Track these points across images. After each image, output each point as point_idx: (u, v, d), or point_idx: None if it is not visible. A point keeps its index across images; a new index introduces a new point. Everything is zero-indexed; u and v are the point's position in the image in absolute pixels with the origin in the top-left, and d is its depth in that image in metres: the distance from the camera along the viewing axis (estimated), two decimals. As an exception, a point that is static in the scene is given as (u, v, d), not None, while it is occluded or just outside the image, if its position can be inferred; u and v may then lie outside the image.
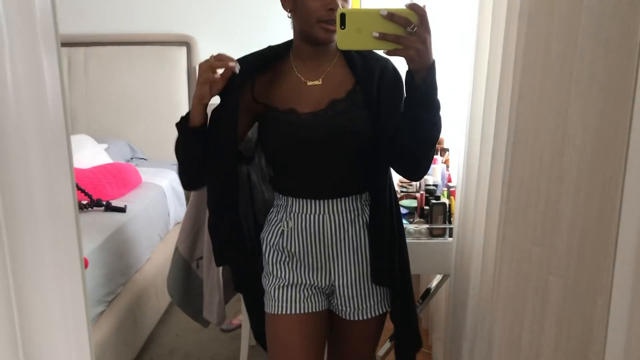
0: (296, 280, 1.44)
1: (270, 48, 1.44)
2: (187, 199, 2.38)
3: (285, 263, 1.46)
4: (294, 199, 1.42)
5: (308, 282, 1.45)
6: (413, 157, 1.34)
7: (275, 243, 1.46)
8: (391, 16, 1.15)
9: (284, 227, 1.44)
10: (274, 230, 1.47)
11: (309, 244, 1.43)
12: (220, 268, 2.12)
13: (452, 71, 2.00)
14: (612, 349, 0.75)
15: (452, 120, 1.93)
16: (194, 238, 2.28)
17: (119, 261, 2.50)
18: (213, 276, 2.16)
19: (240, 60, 1.36)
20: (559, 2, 0.95)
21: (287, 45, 1.43)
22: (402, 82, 1.37)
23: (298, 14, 1.32)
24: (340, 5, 1.27)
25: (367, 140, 1.36)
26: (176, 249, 2.28)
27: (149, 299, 2.75)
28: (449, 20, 2.16)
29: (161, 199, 3.17)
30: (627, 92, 0.76)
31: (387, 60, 1.40)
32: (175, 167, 3.70)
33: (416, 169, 1.39)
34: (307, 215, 1.41)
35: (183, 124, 1.36)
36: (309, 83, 1.38)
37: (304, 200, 1.41)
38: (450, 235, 1.90)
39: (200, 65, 1.28)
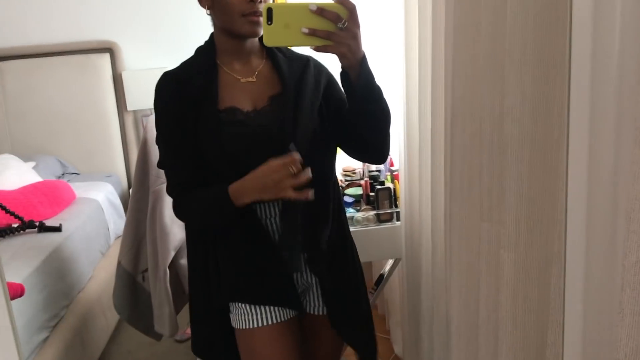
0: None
1: (199, 52, 1.36)
2: (126, 210, 2.28)
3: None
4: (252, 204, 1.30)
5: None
6: (372, 146, 1.32)
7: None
8: (321, 11, 1.10)
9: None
10: None
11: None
12: (168, 277, 2.05)
13: (385, 56, 1.99)
14: (571, 315, 0.75)
15: (390, 103, 1.92)
16: (137, 250, 2.20)
17: (59, 283, 2.38)
18: (161, 287, 2.08)
19: (169, 76, 1.31)
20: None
21: (210, 44, 1.35)
22: (326, 74, 1.37)
23: (218, 9, 1.26)
24: None
25: (317, 131, 1.32)
26: (119, 263, 2.19)
27: (95, 319, 2.63)
28: (376, 6, 2.15)
29: (98, 214, 3.04)
30: (562, 57, 0.75)
31: (309, 57, 1.38)
32: (111, 178, 3.56)
33: (379, 154, 1.37)
34: (269, 220, 1.34)
35: (229, 207, 1.24)
36: (243, 80, 1.32)
37: (263, 204, 1.32)
38: (398, 219, 1.89)
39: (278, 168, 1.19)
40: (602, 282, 0.68)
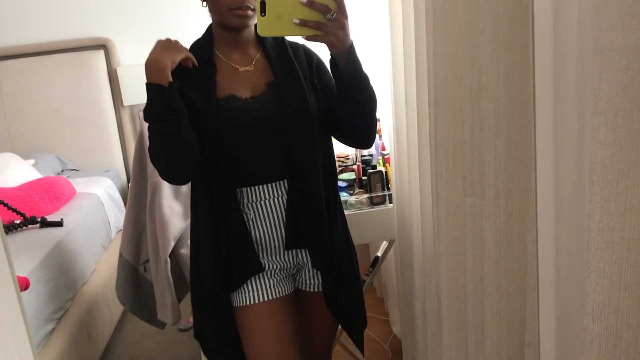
0: (265, 266, 1.42)
1: (194, 46, 1.41)
2: (126, 203, 2.32)
3: None
4: (249, 188, 1.37)
5: (275, 267, 1.43)
6: (359, 131, 1.39)
7: None
8: (311, 3, 1.17)
9: (244, 219, 1.39)
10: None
11: (272, 229, 1.40)
12: (169, 267, 2.10)
13: (371, 43, 2.03)
14: (544, 277, 0.79)
15: (378, 90, 1.96)
16: (137, 241, 2.24)
17: (63, 276, 2.43)
18: (162, 277, 2.13)
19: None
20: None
21: (208, 35, 1.41)
22: (317, 60, 1.44)
23: (210, 4, 1.34)
24: None
25: (314, 114, 1.36)
26: (120, 255, 2.23)
27: (100, 310, 2.68)
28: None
29: (99, 208, 3.09)
30: (527, 32, 0.79)
31: (300, 44, 1.44)
32: (109, 173, 3.60)
33: (366, 138, 1.42)
34: (267, 201, 1.38)
35: (160, 92, 1.26)
36: (241, 69, 1.38)
37: (260, 187, 1.37)
38: (391, 202, 1.94)
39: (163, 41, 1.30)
40: (570, 243, 0.73)
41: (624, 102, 0.62)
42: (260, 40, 1.42)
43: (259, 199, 1.38)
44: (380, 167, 2.05)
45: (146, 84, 1.27)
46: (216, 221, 1.36)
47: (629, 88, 0.61)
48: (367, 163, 2.08)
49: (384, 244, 2.19)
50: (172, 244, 2.12)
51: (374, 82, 1.34)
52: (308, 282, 1.49)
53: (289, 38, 1.44)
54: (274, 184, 1.37)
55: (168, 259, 2.10)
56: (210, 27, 1.41)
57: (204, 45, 1.39)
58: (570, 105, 0.69)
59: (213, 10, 1.33)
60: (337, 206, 1.47)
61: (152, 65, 1.26)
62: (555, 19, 0.70)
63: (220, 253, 1.38)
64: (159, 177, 2.07)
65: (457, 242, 1.19)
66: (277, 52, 1.40)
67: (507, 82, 0.89)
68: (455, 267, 1.22)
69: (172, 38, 1.32)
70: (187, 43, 1.43)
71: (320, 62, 1.45)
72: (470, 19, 0.97)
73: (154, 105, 1.27)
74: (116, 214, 3.27)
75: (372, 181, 1.94)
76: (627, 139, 0.63)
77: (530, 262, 0.85)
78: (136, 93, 3.56)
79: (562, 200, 0.74)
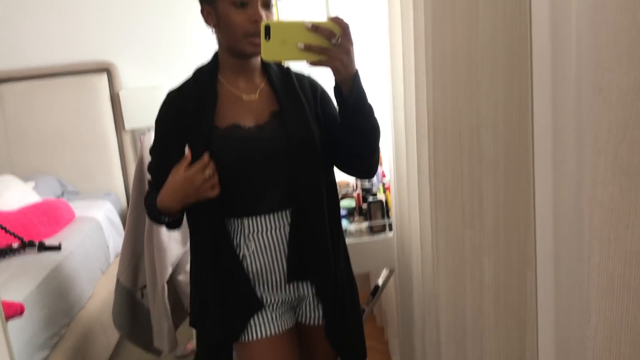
0: (266, 300, 1.39)
1: (199, 71, 1.40)
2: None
3: (252, 288, 1.39)
4: (250, 218, 1.35)
5: (277, 300, 1.40)
6: (362, 160, 1.37)
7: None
8: (316, 28, 1.16)
9: (244, 251, 1.36)
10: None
11: (273, 261, 1.37)
12: (166, 293, 2.08)
13: (373, 73, 2.04)
14: (543, 317, 0.78)
15: (379, 119, 1.96)
16: (135, 267, 2.23)
17: (59, 301, 2.40)
18: (159, 303, 2.11)
19: (174, 95, 1.38)
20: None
21: (214, 62, 1.39)
22: (321, 90, 1.44)
23: (223, 29, 1.30)
24: (264, 17, 1.26)
25: (318, 144, 1.36)
26: (118, 280, 2.22)
27: (96, 336, 2.65)
28: (364, 27, 2.19)
29: (98, 232, 3.07)
30: (526, 68, 0.79)
31: (305, 75, 1.44)
32: (110, 197, 3.59)
33: (368, 168, 1.42)
34: (269, 232, 1.35)
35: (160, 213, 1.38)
36: (245, 98, 1.36)
37: (262, 217, 1.35)
38: (391, 230, 1.92)
39: (191, 176, 1.27)
40: (570, 283, 0.71)
41: (623, 142, 0.61)
42: (265, 69, 1.40)
43: (260, 230, 1.35)
44: (380, 195, 2.03)
45: (162, 204, 1.33)
46: (209, 256, 1.35)
47: (627, 129, 0.60)
48: (367, 191, 2.07)
49: (385, 272, 2.16)
50: (170, 270, 2.11)
51: (377, 109, 1.33)
52: (309, 314, 1.45)
53: (293, 67, 1.44)
54: (276, 214, 1.36)
55: (165, 285, 2.08)
56: (216, 53, 1.39)
57: (209, 71, 1.38)
58: (569, 143, 0.68)
59: (227, 36, 1.30)
60: (340, 236, 1.45)
61: (188, 190, 1.28)
62: (553, 56, 0.69)
63: (216, 295, 1.36)
64: (158, 203, 2.07)
65: (457, 275, 1.17)
66: (282, 81, 1.39)
67: (506, 116, 0.89)
68: (454, 300, 1.20)
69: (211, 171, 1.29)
70: (189, 66, 1.43)
71: (324, 93, 1.44)
72: (469, 52, 0.97)
73: (164, 214, 1.36)
74: (115, 238, 3.26)
75: (372, 209, 1.93)
76: (627, 180, 0.61)
77: (530, 299, 0.83)
78: (138, 117, 3.56)
79: (562, 239, 0.72)
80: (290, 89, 1.38)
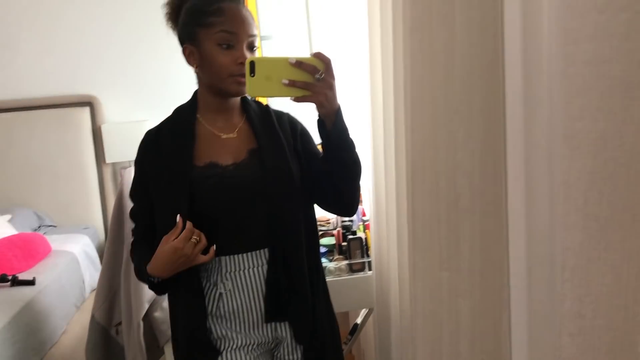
0: (242, 341, 1.36)
1: (179, 110, 1.40)
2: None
3: (228, 327, 1.37)
4: (228, 257, 1.34)
5: (253, 342, 1.37)
6: (343, 195, 1.38)
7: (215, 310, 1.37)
8: (299, 64, 1.19)
9: (221, 290, 1.35)
10: (210, 297, 1.36)
11: (250, 301, 1.35)
12: (142, 331, 2.04)
13: (354, 112, 2.06)
14: (518, 362, 0.78)
15: (360, 157, 1.98)
16: (111, 303, 2.19)
17: (31, 337, 2.35)
18: (134, 341, 2.07)
19: (152, 134, 1.38)
20: (436, 41, 1.01)
21: (193, 101, 1.40)
22: (301, 128, 1.45)
23: (207, 69, 1.31)
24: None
25: (297, 181, 1.37)
26: (92, 316, 2.18)
27: (68, 374, 2.58)
28: (346, 66, 2.23)
29: (74, 266, 3.02)
30: (499, 115, 0.81)
31: (284, 113, 1.46)
32: (88, 231, 3.55)
33: (348, 204, 1.42)
34: (246, 271, 1.34)
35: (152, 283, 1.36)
36: (224, 136, 1.37)
37: (240, 256, 1.34)
38: (370, 269, 1.92)
39: (179, 247, 1.26)
40: (543, 327, 0.72)
41: (593, 189, 0.63)
42: (244, 108, 1.41)
43: (238, 269, 1.34)
44: (360, 233, 2.04)
45: (153, 272, 1.31)
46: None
47: (596, 176, 0.62)
48: (347, 229, 2.07)
49: (364, 311, 2.15)
50: (146, 306, 2.07)
51: (357, 147, 1.35)
52: (287, 358, 1.42)
53: (273, 105, 1.45)
54: (254, 252, 1.34)
55: (141, 322, 2.04)
56: (196, 92, 1.40)
57: (188, 111, 1.38)
58: (541, 190, 0.70)
59: (211, 76, 1.31)
60: (320, 275, 1.44)
61: (179, 260, 1.26)
62: (526, 105, 0.72)
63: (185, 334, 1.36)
64: (137, 238, 2.05)
65: (434, 317, 1.17)
66: (261, 119, 1.40)
67: (481, 162, 0.91)
68: (431, 342, 1.20)
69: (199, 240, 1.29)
70: (172, 101, 1.44)
71: (304, 130, 1.46)
72: (447, 98, 0.99)
73: (155, 276, 1.32)
74: (92, 273, 3.21)
75: (352, 247, 1.92)
76: (597, 226, 0.63)
77: (504, 342, 0.84)
78: (119, 150, 3.56)
79: (535, 283, 0.73)
80: (269, 127, 1.39)
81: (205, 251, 1.29)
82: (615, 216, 0.61)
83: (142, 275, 1.36)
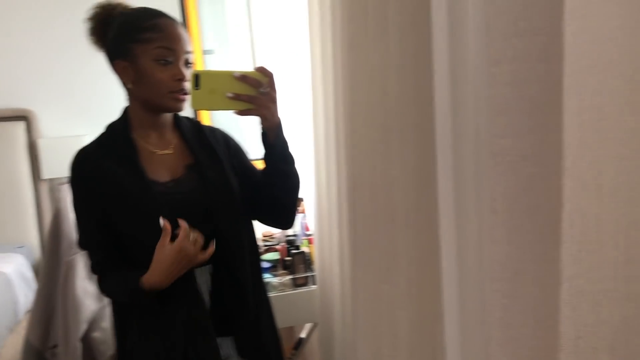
0: None
1: (112, 127, 1.36)
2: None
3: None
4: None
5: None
6: (284, 207, 1.39)
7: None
8: (244, 78, 1.20)
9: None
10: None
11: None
12: (80, 352, 1.97)
13: (295, 126, 2.08)
14: (452, 372, 0.80)
15: (304, 171, 2.00)
16: (47, 324, 2.10)
17: (-42, 364, 2.23)
18: (72, 364, 2.00)
19: (89, 152, 1.32)
20: (372, 58, 1.03)
21: (124, 118, 1.35)
22: (233, 143, 1.45)
23: (144, 85, 1.28)
24: (186, 75, 1.27)
25: (238, 195, 1.36)
26: (26, 339, 2.09)
27: (0, 401, 2.46)
28: (287, 80, 2.25)
29: (7, 287, 2.89)
30: (430, 132, 0.84)
31: (215, 128, 1.46)
32: (22, 249, 3.40)
33: (288, 217, 1.43)
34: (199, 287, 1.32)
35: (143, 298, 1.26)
36: (160, 152, 1.34)
37: (186, 273, 1.29)
38: (314, 283, 1.93)
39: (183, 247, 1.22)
40: (474, 337, 0.74)
41: (517, 204, 0.66)
42: (176, 124, 1.40)
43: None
44: (304, 248, 2.05)
45: (153, 285, 1.24)
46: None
47: (520, 191, 0.65)
48: (291, 243, 2.08)
49: (308, 326, 2.15)
50: (85, 327, 2.01)
51: (297, 161, 1.37)
52: None
53: (205, 121, 1.45)
54: (198, 269, 1.32)
55: (79, 344, 1.98)
56: (126, 109, 1.36)
57: (121, 127, 1.34)
58: (470, 205, 0.73)
59: (148, 92, 1.28)
60: (262, 290, 1.44)
61: (183, 261, 1.22)
62: (454, 122, 0.74)
63: None
64: (75, 256, 1.98)
65: (374, 329, 1.19)
66: (195, 134, 1.39)
67: (415, 176, 0.93)
68: (373, 354, 1.22)
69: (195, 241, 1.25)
70: (109, 115, 1.40)
71: (237, 145, 1.46)
72: (383, 115, 1.02)
73: (155, 288, 1.24)
74: (27, 294, 3.07)
75: (296, 262, 1.93)
76: (520, 239, 0.66)
77: (439, 352, 0.86)
78: (57, 166, 3.43)
79: (466, 296, 0.76)
80: (204, 142, 1.39)
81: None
82: (537, 229, 0.64)
83: (135, 294, 1.26)
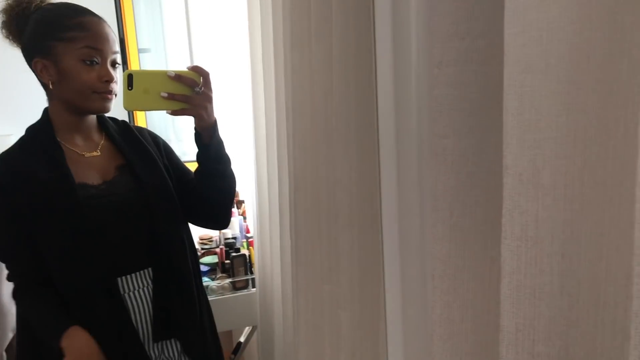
0: None
1: (34, 130, 1.28)
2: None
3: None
4: (120, 279, 1.27)
5: None
6: (219, 207, 1.38)
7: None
8: (178, 77, 1.18)
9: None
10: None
11: (137, 323, 1.29)
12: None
13: (235, 126, 2.06)
14: (395, 369, 0.81)
15: (244, 173, 1.98)
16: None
17: None
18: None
19: (12, 157, 1.24)
20: (315, 58, 1.03)
21: (45, 121, 1.28)
22: (163, 143, 1.44)
23: (67, 85, 1.21)
24: (113, 76, 1.23)
25: (174, 193, 1.34)
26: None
27: None
28: (226, 80, 2.23)
29: None
30: (373, 133, 0.85)
31: (142, 127, 1.44)
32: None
33: (223, 217, 1.41)
34: (133, 293, 1.28)
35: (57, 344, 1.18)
36: (87, 155, 1.29)
37: (124, 279, 1.27)
38: (254, 286, 1.91)
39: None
40: (416, 334, 0.76)
41: (457, 202, 0.68)
42: (102, 125, 1.35)
43: (125, 291, 1.28)
44: (244, 250, 2.03)
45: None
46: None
47: (460, 190, 0.67)
48: (230, 246, 2.05)
49: (247, 329, 2.13)
50: (10, 336, 1.91)
51: (241, 164, 1.37)
52: None
53: (140, 122, 1.42)
54: (137, 274, 1.29)
55: (4, 354, 1.88)
56: (46, 111, 1.29)
57: (44, 130, 1.27)
58: (412, 203, 0.74)
59: (72, 92, 1.22)
60: (201, 293, 1.42)
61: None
62: (397, 123, 0.76)
63: None
64: None
65: (316, 330, 1.19)
66: (123, 135, 1.36)
67: (358, 176, 0.94)
68: (314, 355, 1.22)
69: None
70: (35, 112, 1.32)
71: (166, 144, 1.45)
72: (326, 115, 1.02)
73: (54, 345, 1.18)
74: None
75: (235, 265, 1.91)
76: (461, 237, 0.68)
77: (382, 351, 0.87)
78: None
79: (409, 293, 0.77)
80: (134, 142, 1.35)
81: None
82: (477, 227, 0.66)
83: (52, 340, 1.20)
